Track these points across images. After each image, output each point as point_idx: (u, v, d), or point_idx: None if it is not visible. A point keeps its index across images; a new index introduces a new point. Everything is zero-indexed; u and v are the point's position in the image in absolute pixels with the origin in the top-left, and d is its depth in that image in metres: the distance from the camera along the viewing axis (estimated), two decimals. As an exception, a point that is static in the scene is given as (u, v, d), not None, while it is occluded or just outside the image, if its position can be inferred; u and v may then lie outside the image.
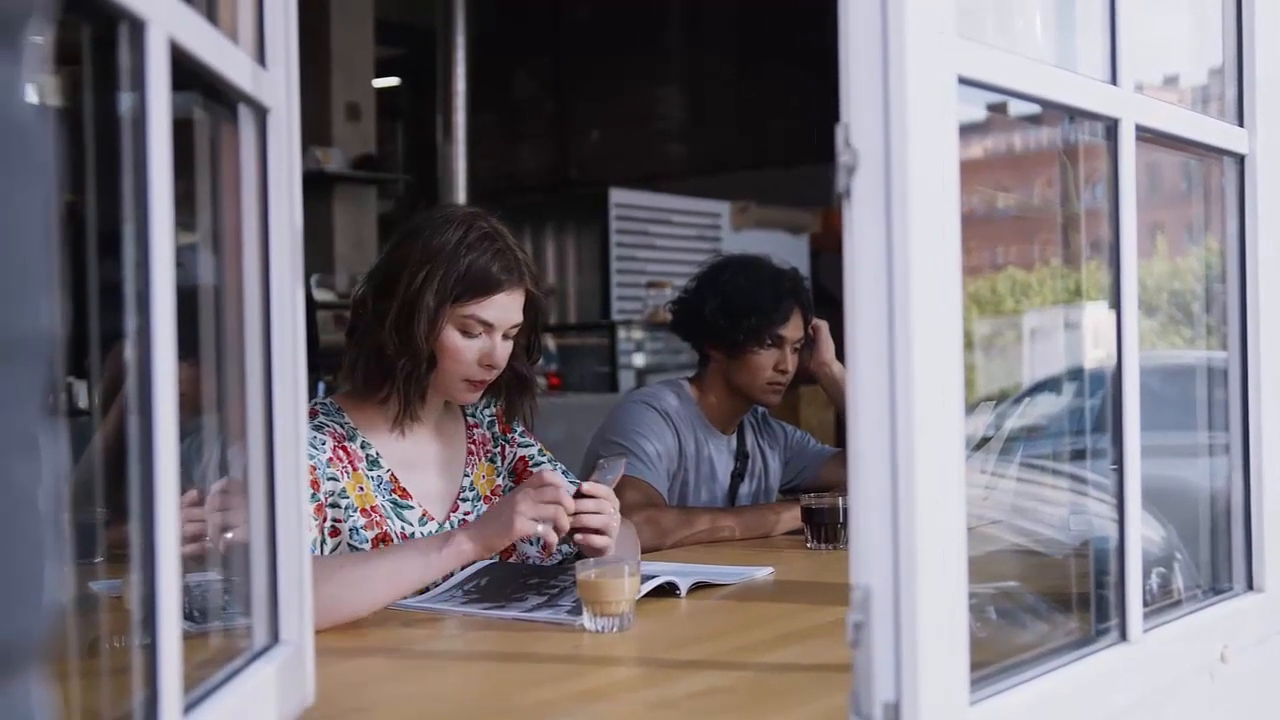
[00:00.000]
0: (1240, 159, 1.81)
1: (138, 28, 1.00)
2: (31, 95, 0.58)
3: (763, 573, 2.33)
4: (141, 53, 1.00)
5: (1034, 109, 1.59)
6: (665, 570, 2.17)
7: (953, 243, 1.21)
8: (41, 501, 0.56)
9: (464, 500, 2.31)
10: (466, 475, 2.33)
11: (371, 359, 2.20)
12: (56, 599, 0.58)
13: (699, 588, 2.16)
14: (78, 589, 1.28)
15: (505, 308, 2.21)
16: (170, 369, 1.01)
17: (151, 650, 1.00)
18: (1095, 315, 1.87)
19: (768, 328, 2.96)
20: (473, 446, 2.37)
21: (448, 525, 2.25)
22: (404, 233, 2.24)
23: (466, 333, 2.19)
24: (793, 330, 3.00)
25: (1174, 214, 2.11)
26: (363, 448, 2.21)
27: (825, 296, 4.10)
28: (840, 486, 2.94)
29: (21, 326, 0.55)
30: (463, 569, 2.13)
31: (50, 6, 0.61)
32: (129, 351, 1.01)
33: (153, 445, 1.00)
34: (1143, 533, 1.56)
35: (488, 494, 2.34)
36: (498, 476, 2.38)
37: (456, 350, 2.19)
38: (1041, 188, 2.06)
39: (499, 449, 2.41)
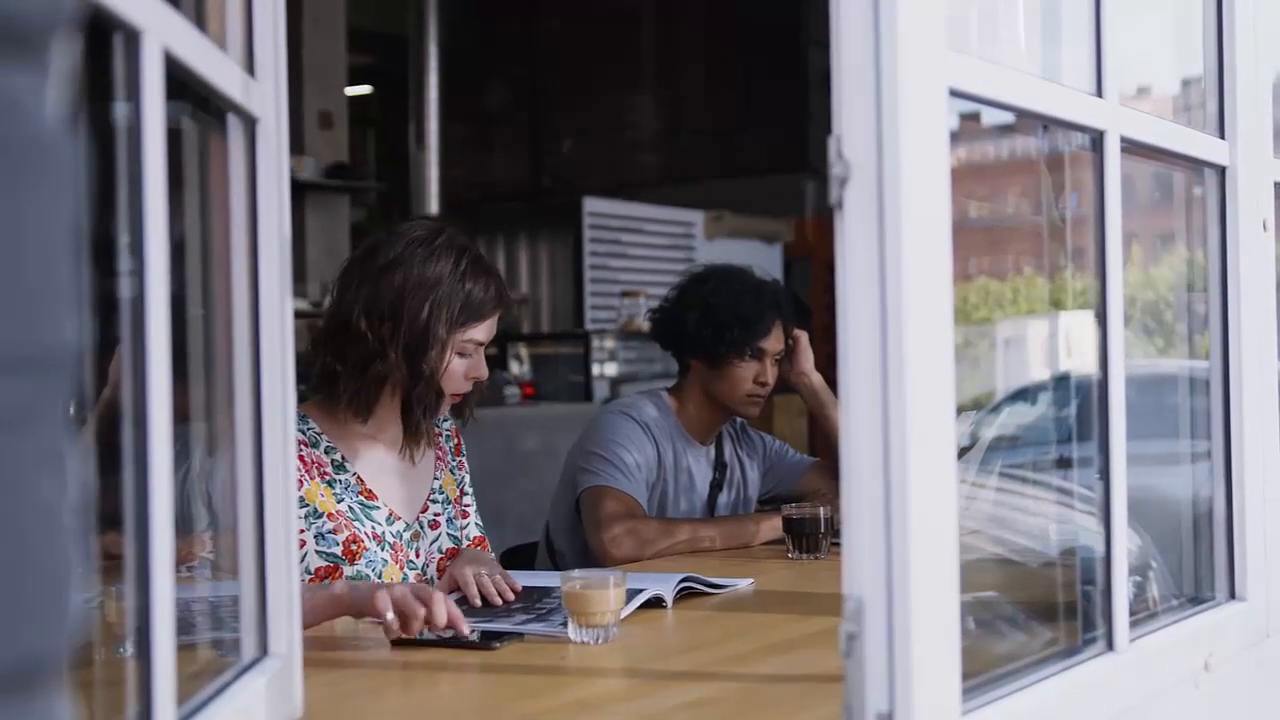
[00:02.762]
0: (1221, 170, 1.82)
1: (132, 38, 0.99)
2: (56, 108, 0.57)
3: (744, 584, 2.33)
4: (136, 62, 0.99)
5: (1008, 118, 1.60)
6: (650, 582, 2.16)
7: (945, 253, 1.21)
8: (66, 517, 0.56)
9: (434, 501, 2.38)
10: (436, 478, 2.40)
11: (374, 386, 2.22)
12: (80, 615, 0.57)
13: (685, 595, 2.16)
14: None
15: (493, 326, 2.31)
16: (164, 378, 1.01)
17: (145, 663, 0.99)
18: (1070, 325, 1.88)
19: (749, 340, 2.96)
20: (440, 453, 2.44)
21: (416, 525, 2.31)
22: (385, 262, 2.22)
23: (462, 355, 2.26)
24: (774, 343, 3.00)
25: (1146, 224, 2.12)
26: (327, 453, 2.25)
27: (798, 305, 4.10)
28: (819, 496, 2.95)
29: (48, 341, 0.54)
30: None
31: (75, 20, 0.60)
32: (123, 362, 1.00)
33: (147, 457, 0.99)
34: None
35: (452, 498, 2.42)
36: (456, 487, 2.45)
37: (453, 373, 2.26)
38: (1015, 197, 2.07)
39: (456, 463, 2.48)
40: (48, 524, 0.54)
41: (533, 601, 2.09)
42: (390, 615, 1.78)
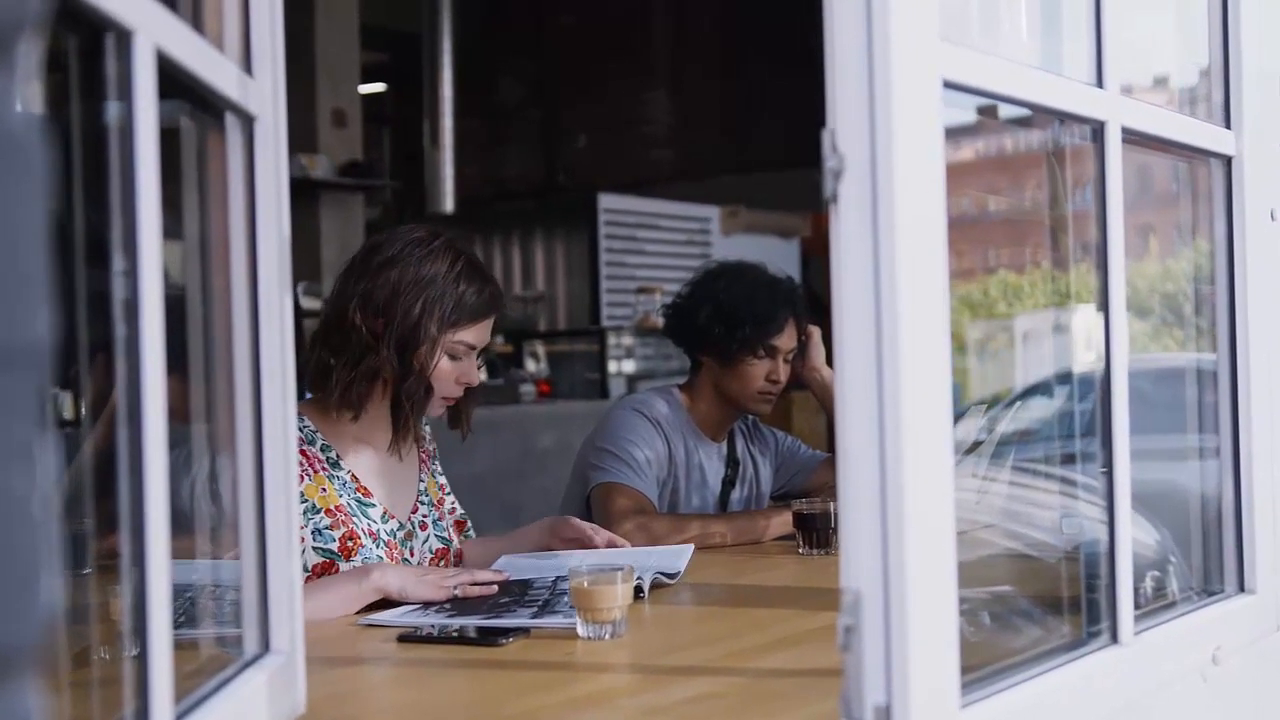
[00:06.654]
0: (1227, 160, 1.81)
1: (124, 37, 0.99)
2: (24, 104, 0.58)
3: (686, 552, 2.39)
4: (128, 62, 1.00)
5: (1024, 112, 1.59)
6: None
7: (940, 247, 1.21)
8: (37, 510, 0.56)
9: (422, 503, 2.43)
10: (421, 480, 2.45)
11: (365, 380, 2.26)
12: (51, 607, 0.58)
13: (690, 589, 2.17)
14: (70, 600, 1.27)
15: (487, 331, 2.35)
16: (159, 379, 1.01)
17: (143, 660, 1.00)
18: (1086, 318, 1.87)
19: (762, 338, 2.95)
20: (424, 456, 2.49)
21: (409, 524, 2.37)
22: (383, 259, 2.28)
23: (453, 357, 2.30)
24: (786, 341, 2.99)
25: (1164, 216, 2.11)
26: (323, 450, 2.29)
27: (815, 301, 4.10)
28: (831, 491, 2.94)
29: (19, 336, 0.55)
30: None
31: (44, 17, 0.61)
32: (118, 362, 1.00)
33: (142, 456, 0.99)
34: (1137, 537, 1.56)
35: (435, 501, 2.47)
36: (438, 490, 2.50)
37: (442, 374, 2.30)
38: (1032, 190, 2.07)
39: (436, 467, 2.53)
40: (17, 517, 0.55)
41: (518, 596, 2.10)
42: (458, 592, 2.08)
